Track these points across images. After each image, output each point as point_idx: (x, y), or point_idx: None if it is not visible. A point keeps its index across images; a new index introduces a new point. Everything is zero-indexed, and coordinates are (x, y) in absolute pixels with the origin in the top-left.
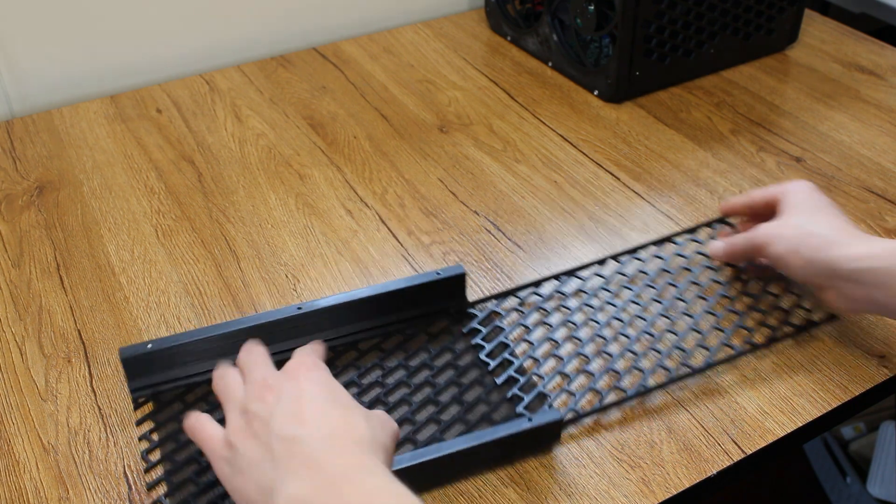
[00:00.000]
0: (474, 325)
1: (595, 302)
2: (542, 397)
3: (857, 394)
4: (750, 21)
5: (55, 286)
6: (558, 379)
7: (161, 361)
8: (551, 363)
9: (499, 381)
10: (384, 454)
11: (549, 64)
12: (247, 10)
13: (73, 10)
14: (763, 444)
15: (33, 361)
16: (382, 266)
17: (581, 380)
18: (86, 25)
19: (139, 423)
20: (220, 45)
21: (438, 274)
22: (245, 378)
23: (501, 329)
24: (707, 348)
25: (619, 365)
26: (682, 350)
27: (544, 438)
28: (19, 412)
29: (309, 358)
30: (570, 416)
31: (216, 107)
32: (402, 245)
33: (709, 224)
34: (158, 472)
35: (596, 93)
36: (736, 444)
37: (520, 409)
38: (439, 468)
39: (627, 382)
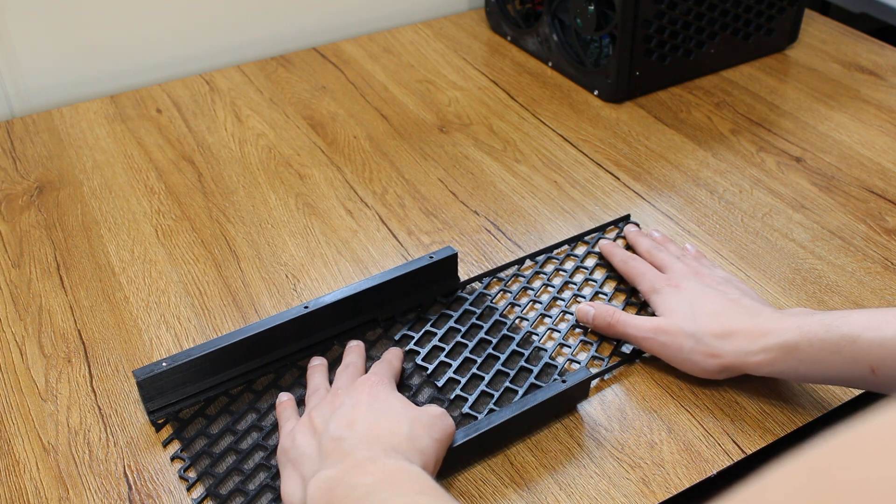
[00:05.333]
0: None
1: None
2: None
3: (857, 394)
4: (750, 21)
5: (55, 286)
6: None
7: (176, 378)
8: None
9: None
10: (416, 453)
11: (549, 64)
12: (247, 10)
13: (73, 10)
14: (763, 444)
15: (33, 361)
16: (382, 266)
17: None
18: (86, 25)
19: (166, 443)
20: (220, 45)
21: (431, 257)
22: (333, 383)
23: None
24: None
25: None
26: None
27: (576, 397)
28: (19, 412)
29: (377, 376)
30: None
31: (216, 107)
32: (402, 245)
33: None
34: (199, 489)
35: (596, 93)
36: (736, 444)
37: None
38: (490, 438)
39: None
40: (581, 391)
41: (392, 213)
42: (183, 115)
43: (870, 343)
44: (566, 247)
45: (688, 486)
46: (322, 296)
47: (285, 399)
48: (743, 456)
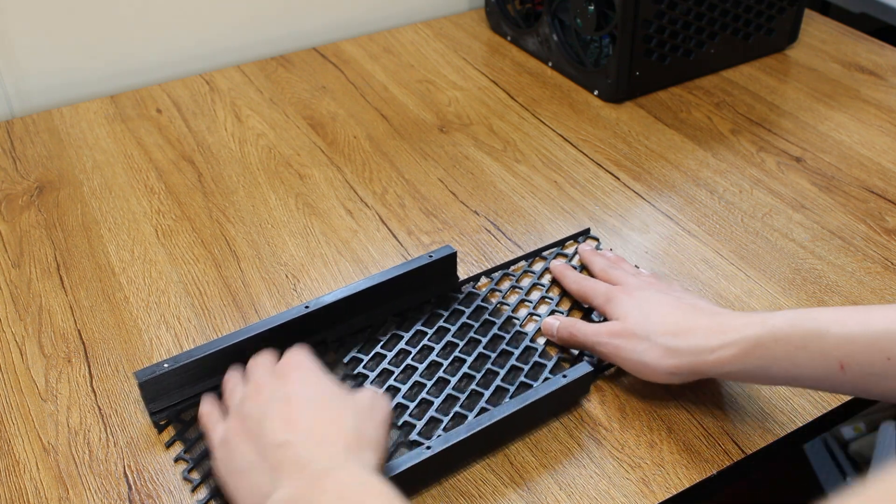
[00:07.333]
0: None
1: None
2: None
3: None
4: (750, 21)
5: (55, 286)
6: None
7: (178, 379)
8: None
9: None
10: (370, 446)
11: (549, 64)
12: (247, 10)
13: (73, 10)
14: (763, 444)
15: (33, 361)
16: (382, 266)
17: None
18: (86, 25)
19: (168, 444)
20: (220, 45)
21: (431, 256)
22: (246, 381)
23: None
24: None
25: None
26: None
27: (577, 392)
28: (19, 412)
29: (296, 357)
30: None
31: (216, 107)
32: (402, 245)
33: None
34: (204, 491)
35: (596, 93)
36: (736, 444)
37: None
38: (491, 435)
39: None
40: (581, 387)
41: (392, 213)
42: (183, 115)
43: (838, 338)
44: (535, 257)
45: (688, 486)
46: (322, 296)
47: (207, 408)
48: (743, 456)
